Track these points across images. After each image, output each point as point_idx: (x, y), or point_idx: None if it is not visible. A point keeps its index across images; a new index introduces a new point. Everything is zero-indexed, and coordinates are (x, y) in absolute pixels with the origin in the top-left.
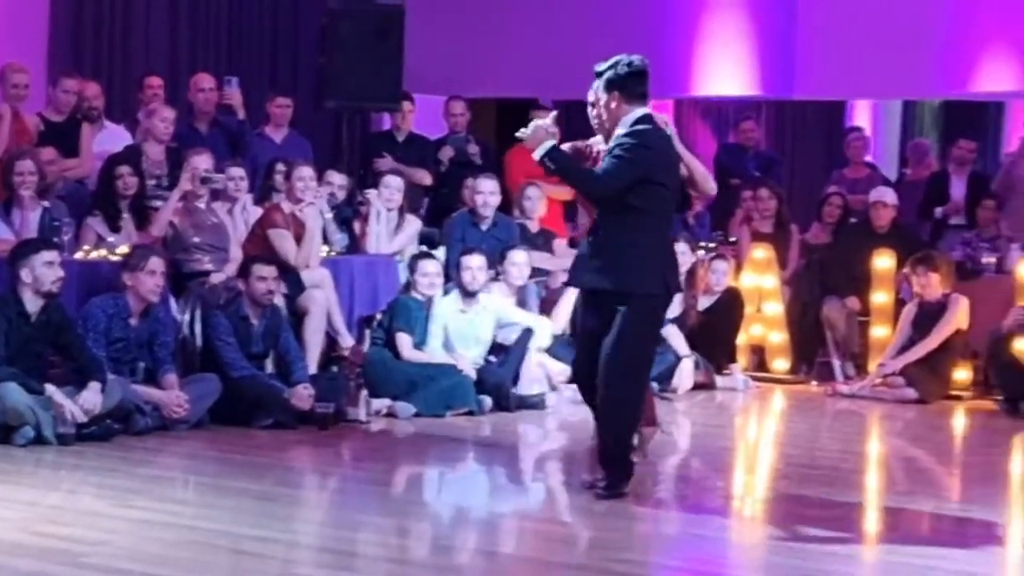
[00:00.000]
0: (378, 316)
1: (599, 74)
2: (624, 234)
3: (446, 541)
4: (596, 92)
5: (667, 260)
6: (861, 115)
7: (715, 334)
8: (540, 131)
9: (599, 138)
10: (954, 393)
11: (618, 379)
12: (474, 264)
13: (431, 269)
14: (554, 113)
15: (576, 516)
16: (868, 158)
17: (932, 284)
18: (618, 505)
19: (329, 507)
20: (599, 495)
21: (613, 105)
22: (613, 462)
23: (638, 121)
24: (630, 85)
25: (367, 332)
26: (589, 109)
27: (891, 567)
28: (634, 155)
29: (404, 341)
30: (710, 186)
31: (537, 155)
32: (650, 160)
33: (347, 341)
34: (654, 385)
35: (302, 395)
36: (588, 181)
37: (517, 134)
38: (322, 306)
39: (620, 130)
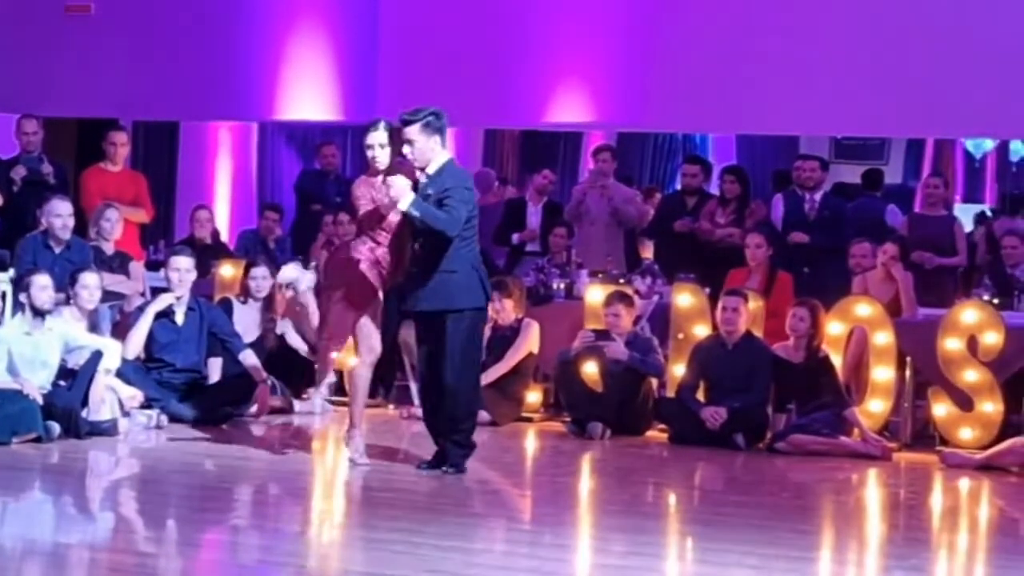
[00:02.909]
0: None
1: (416, 117)
2: (451, 261)
3: (8, 575)
4: (412, 134)
5: (483, 274)
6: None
7: (293, 358)
8: (399, 186)
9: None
10: (525, 415)
11: (459, 381)
12: (44, 283)
13: None
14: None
15: (149, 545)
16: None
17: (506, 309)
18: (190, 533)
19: None
20: (447, 472)
21: (431, 147)
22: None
23: (448, 162)
24: (443, 133)
25: None
26: (405, 147)
27: None
28: (466, 196)
29: None
30: None
31: (404, 206)
32: (472, 199)
33: None
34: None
35: None
36: (447, 224)
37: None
38: None
39: (432, 168)
